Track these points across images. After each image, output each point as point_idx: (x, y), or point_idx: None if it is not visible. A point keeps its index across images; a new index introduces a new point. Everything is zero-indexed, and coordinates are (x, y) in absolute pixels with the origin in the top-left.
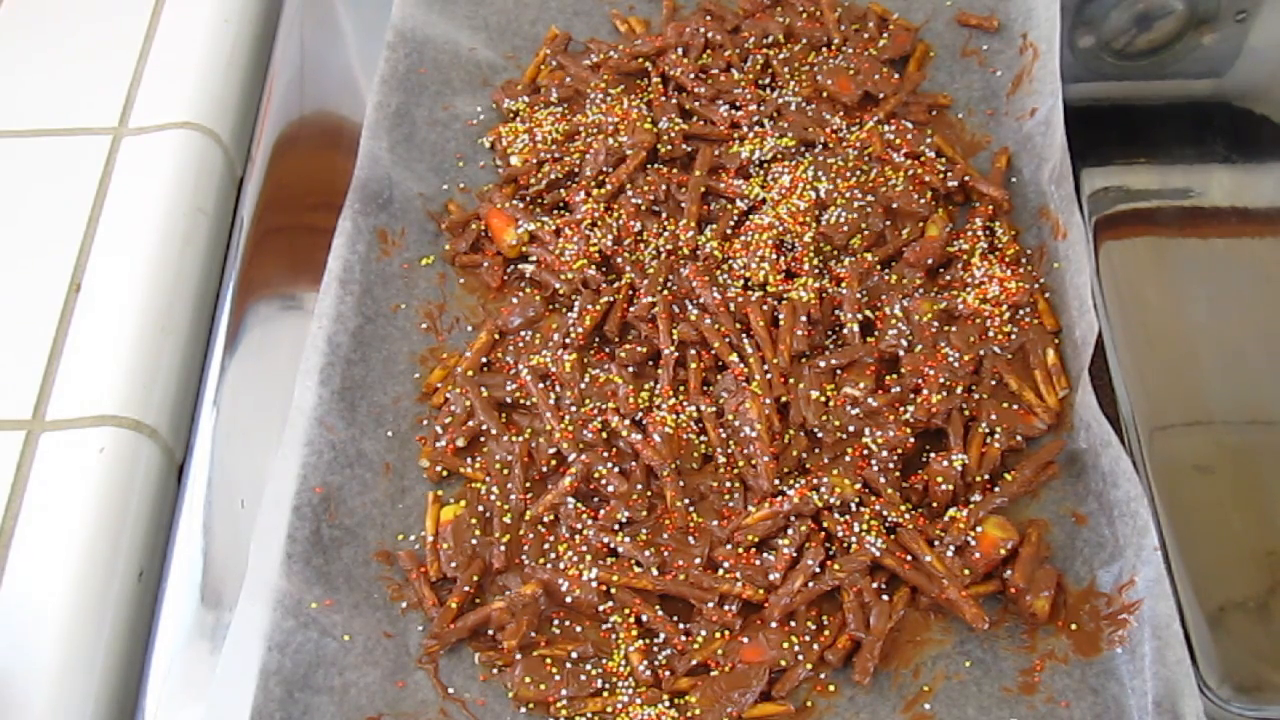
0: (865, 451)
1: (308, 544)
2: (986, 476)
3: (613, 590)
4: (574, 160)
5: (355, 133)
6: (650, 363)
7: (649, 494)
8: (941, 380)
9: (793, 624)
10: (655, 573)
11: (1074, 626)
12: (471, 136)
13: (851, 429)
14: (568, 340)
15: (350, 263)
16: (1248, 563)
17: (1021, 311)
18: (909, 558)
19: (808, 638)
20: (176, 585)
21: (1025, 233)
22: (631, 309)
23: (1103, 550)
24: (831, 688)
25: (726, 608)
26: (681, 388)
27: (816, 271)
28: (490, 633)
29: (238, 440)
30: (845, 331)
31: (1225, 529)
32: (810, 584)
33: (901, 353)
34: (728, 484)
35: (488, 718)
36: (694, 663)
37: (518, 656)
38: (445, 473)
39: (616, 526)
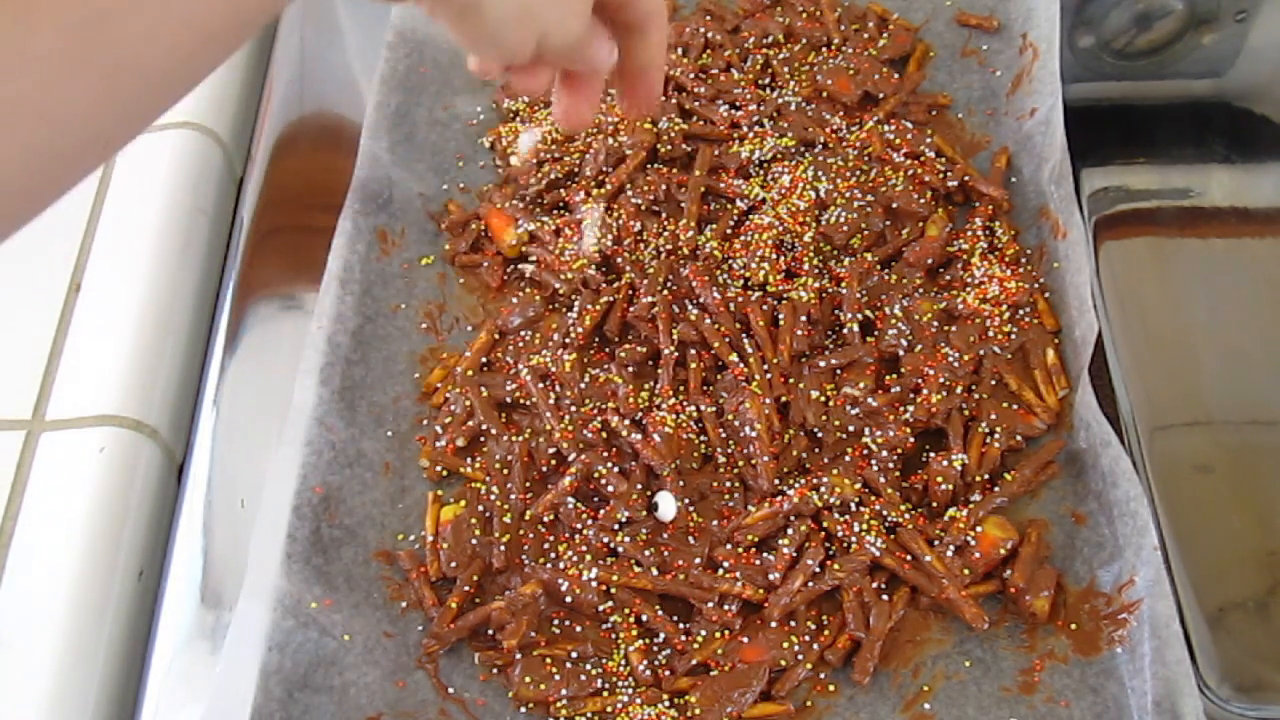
0: (865, 451)
1: (308, 544)
2: (986, 476)
3: (613, 590)
4: (574, 160)
5: (355, 133)
6: (650, 363)
7: (649, 494)
8: (941, 380)
9: (793, 624)
10: (655, 573)
11: (1074, 626)
12: (471, 136)
13: (851, 429)
14: (568, 340)
15: (350, 263)
16: (1248, 563)
17: (1021, 311)
18: (909, 558)
19: (808, 638)
20: (176, 585)
21: (1025, 233)
22: (631, 309)
23: (1102, 550)
24: (831, 687)
25: (726, 608)
26: (681, 388)
27: (816, 271)
28: (490, 633)
29: (238, 440)
30: (845, 331)
31: (1225, 529)
32: (810, 584)
33: (901, 353)
34: (728, 484)
35: (488, 718)
36: (694, 663)
37: (518, 656)
38: (445, 473)
39: (616, 526)
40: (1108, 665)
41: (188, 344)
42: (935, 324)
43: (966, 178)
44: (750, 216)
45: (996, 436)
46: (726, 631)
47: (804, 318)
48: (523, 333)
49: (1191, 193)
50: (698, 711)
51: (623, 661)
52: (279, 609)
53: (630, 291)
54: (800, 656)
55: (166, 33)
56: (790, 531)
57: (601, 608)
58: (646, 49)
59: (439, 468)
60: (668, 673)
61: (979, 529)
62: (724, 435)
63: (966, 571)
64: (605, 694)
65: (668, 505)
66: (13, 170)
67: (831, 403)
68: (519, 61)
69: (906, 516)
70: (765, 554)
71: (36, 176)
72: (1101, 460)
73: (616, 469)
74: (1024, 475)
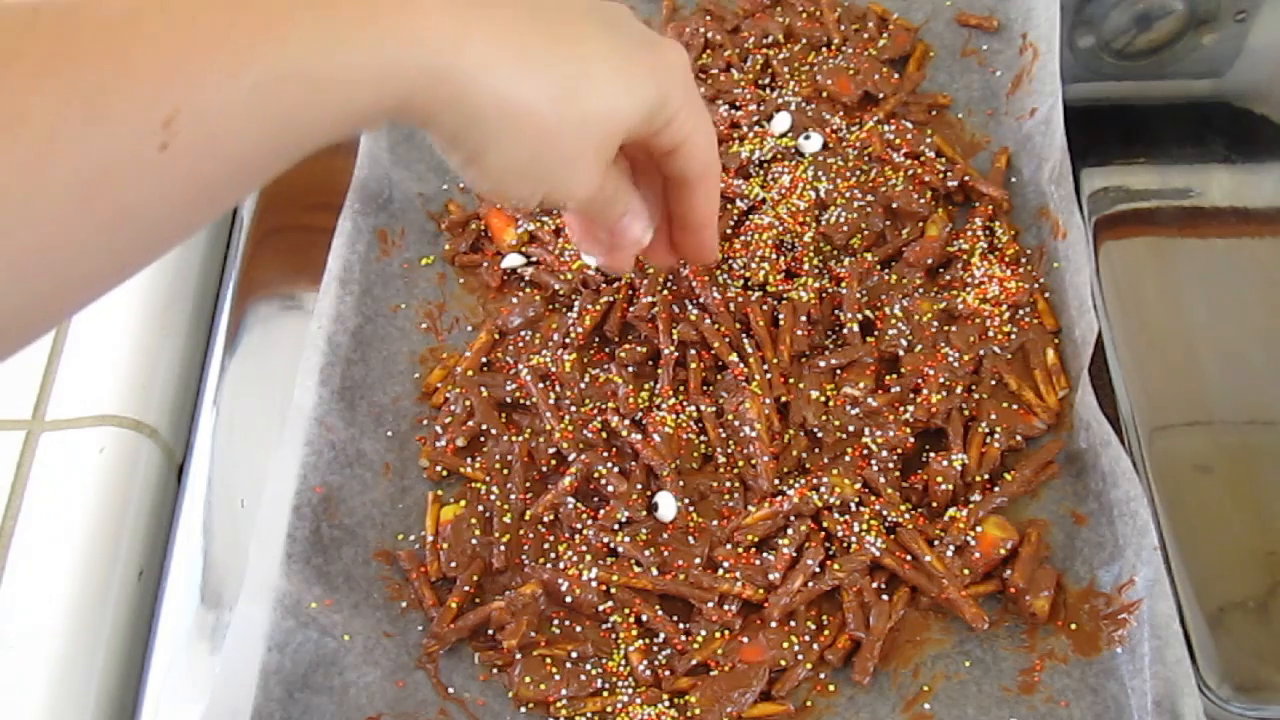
0: (865, 451)
1: (308, 544)
2: (986, 476)
3: (613, 590)
4: None
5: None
6: (650, 363)
7: (649, 494)
8: (941, 380)
9: (793, 624)
10: (655, 573)
11: (1074, 626)
12: None
13: (851, 429)
14: (568, 340)
15: (350, 263)
16: (1248, 563)
17: (1021, 311)
18: (909, 557)
19: (807, 638)
20: (176, 585)
21: (1025, 233)
22: (631, 309)
23: (1102, 550)
24: (831, 687)
25: (726, 608)
26: (681, 388)
27: (816, 271)
28: (490, 633)
29: (238, 440)
30: (845, 331)
31: (1225, 529)
32: (810, 584)
33: (901, 353)
34: (728, 484)
35: (488, 718)
36: (694, 662)
37: (518, 656)
38: (445, 473)
39: (616, 526)
40: (1108, 665)
41: (188, 344)
42: (935, 324)
43: (966, 178)
44: (750, 216)
45: (996, 436)
46: (726, 631)
47: (804, 318)
48: (523, 333)
49: (1191, 193)
50: (698, 711)
51: (623, 661)
52: (279, 609)
53: (630, 291)
54: (800, 656)
55: (171, 188)
56: (790, 531)
57: (601, 608)
58: (694, 209)
59: (439, 468)
60: (668, 673)
61: (979, 529)
62: (724, 435)
63: (966, 571)
64: (605, 694)
65: (668, 505)
66: (13, 310)
67: (831, 403)
68: (526, 209)
69: (906, 516)
70: (765, 554)
71: (36, 315)
72: (1101, 460)
73: (616, 469)
74: (1024, 475)
